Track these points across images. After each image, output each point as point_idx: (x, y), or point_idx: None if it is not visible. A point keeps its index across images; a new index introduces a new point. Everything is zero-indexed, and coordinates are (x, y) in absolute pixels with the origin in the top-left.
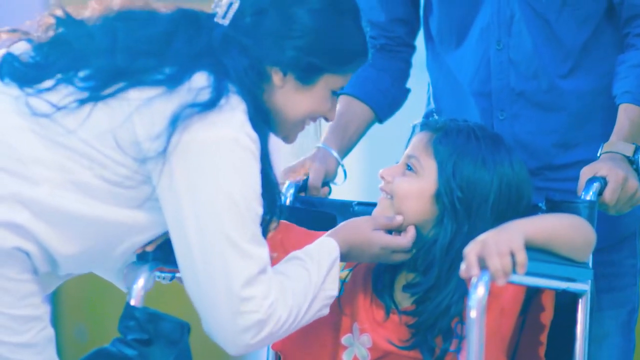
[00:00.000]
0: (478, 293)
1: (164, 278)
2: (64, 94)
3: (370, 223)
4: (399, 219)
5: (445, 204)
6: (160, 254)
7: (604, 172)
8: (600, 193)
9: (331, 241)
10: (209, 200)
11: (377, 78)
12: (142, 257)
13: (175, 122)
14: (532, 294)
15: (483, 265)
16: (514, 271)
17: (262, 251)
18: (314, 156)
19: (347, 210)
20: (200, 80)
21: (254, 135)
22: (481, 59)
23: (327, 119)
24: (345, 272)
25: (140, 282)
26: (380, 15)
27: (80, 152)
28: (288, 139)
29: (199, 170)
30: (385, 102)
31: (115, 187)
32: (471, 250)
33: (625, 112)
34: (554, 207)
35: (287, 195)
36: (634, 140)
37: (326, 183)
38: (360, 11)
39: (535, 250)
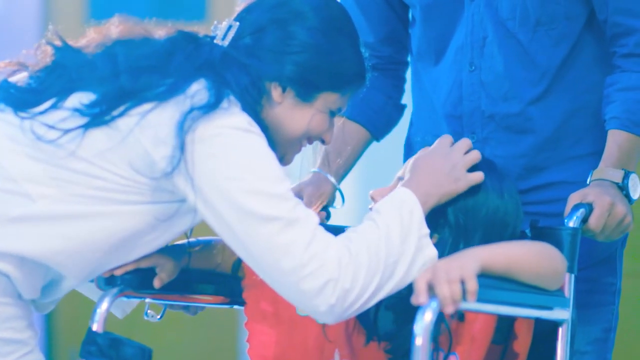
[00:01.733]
0: (424, 320)
1: (152, 316)
2: (60, 118)
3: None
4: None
5: (438, 225)
6: (128, 278)
7: (591, 198)
8: (586, 220)
9: (403, 190)
10: (238, 186)
11: (369, 97)
12: (110, 282)
13: (182, 126)
14: (510, 323)
15: (433, 293)
16: (464, 299)
17: (307, 214)
18: (308, 181)
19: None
20: (197, 86)
21: (258, 128)
22: (454, 81)
23: (323, 142)
24: None
25: (104, 306)
26: (369, 36)
27: (76, 170)
28: (284, 159)
29: (218, 160)
30: (379, 120)
31: (117, 193)
32: (421, 278)
33: (613, 138)
34: (538, 233)
35: None
36: (623, 166)
37: (324, 207)
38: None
39: (494, 278)
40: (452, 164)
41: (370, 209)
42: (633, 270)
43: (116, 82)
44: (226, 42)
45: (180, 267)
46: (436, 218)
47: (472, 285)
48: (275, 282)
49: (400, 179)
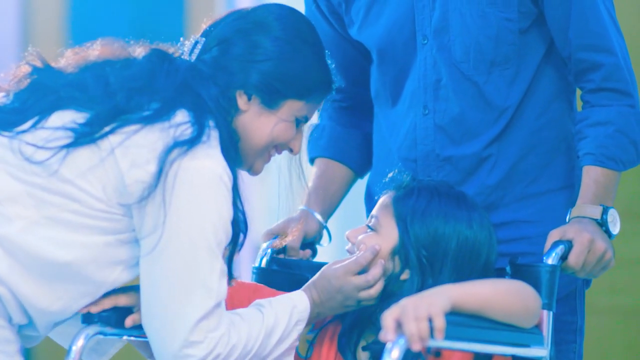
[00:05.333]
0: (392, 357)
1: None
2: (45, 137)
3: (343, 269)
4: (374, 249)
5: (408, 261)
6: (105, 315)
7: (570, 235)
8: (566, 257)
9: (301, 294)
10: (189, 229)
11: (349, 136)
12: (87, 319)
13: (166, 157)
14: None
15: (401, 330)
16: (432, 336)
17: (223, 285)
18: (294, 218)
19: None
20: (182, 117)
21: (229, 171)
22: (410, 124)
23: (291, 151)
24: (312, 334)
25: (79, 343)
26: (340, 81)
27: (56, 191)
28: (253, 168)
29: (184, 200)
30: (360, 158)
31: (90, 219)
32: (389, 314)
33: (588, 174)
34: (517, 270)
35: (263, 256)
36: (601, 201)
37: (310, 244)
38: (326, 50)
39: (464, 315)
40: (348, 295)
41: (347, 250)
42: (615, 306)
43: (110, 101)
44: (193, 57)
45: None
46: (406, 254)
47: (440, 322)
48: (157, 329)
49: (371, 216)
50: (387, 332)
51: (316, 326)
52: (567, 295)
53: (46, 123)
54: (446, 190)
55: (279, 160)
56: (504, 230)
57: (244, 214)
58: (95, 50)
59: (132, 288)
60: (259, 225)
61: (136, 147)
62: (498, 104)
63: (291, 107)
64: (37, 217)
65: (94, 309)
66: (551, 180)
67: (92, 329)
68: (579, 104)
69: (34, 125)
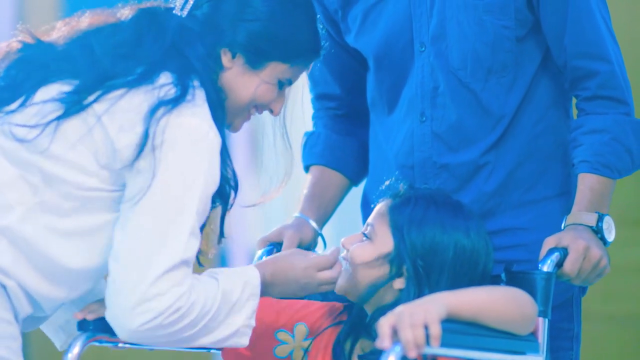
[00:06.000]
0: None
1: None
2: (34, 113)
3: (302, 257)
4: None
5: (403, 269)
6: (100, 323)
7: (566, 243)
8: (561, 264)
9: (254, 270)
10: (174, 183)
11: (344, 143)
12: (82, 326)
13: (151, 117)
14: None
15: (397, 337)
16: (428, 343)
17: (195, 244)
18: (289, 225)
19: None
20: (165, 79)
21: (216, 129)
22: (407, 132)
23: (272, 112)
24: (308, 342)
25: (75, 350)
26: (335, 89)
27: (48, 173)
28: (232, 126)
29: (172, 156)
30: (356, 165)
31: (84, 201)
32: (385, 322)
33: (584, 182)
34: (512, 277)
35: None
36: (596, 209)
37: None
38: (317, 15)
39: (461, 323)
40: (308, 281)
41: (343, 257)
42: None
43: (96, 68)
44: (184, 13)
45: None
46: (400, 262)
47: (436, 329)
48: (121, 276)
49: (367, 224)
50: (383, 339)
51: (311, 334)
52: (563, 302)
53: (34, 99)
54: (443, 199)
55: (274, 165)
56: (500, 237)
57: (234, 172)
58: (85, 20)
59: None
60: (254, 230)
61: (122, 112)
62: (495, 112)
63: (275, 69)
64: (32, 203)
65: (90, 316)
66: (548, 188)
67: (87, 337)
68: (574, 113)
69: (22, 104)
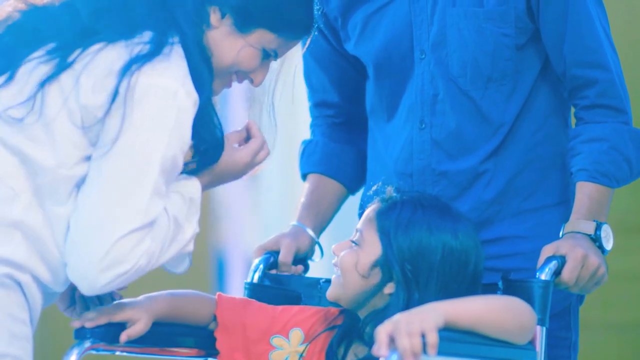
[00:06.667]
0: None
1: None
2: (20, 86)
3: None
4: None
5: (393, 274)
6: (98, 331)
7: (564, 251)
8: (559, 272)
9: (196, 186)
10: (139, 144)
11: (341, 152)
12: (79, 334)
13: (123, 74)
14: None
15: (394, 345)
16: (425, 352)
17: (159, 203)
18: (286, 233)
19: (314, 287)
20: (143, 36)
21: (192, 91)
22: (406, 139)
23: (252, 82)
24: (303, 347)
25: (72, 359)
26: (334, 97)
27: (40, 159)
28: (212, 89)
29: (138, 116)
30: (353, 174)
31: (74, 179)
32: (383, 330)
33: (582, 190)
34: (509, 286)
35: (255, 271)
36: (594, 217)
37: (301, 260)
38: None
39: (457, 331)
40: (245, 166)
41: (334, 264)
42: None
43: (78, 25)
44: None
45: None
46: (389, 267)
47: (433, 337)
48: (83, 236)
49: (356, 230)
50: (380, 347)
51: (307, 339)
52: (561, 311)
53: (21, 68)
54: (430, 201)
55: (270, 171)
56: (499, 245)
57: (219, 129)
58: None
59: (128, 304)
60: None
61: (97, 69)
62: (495, 120)
63: (262, 36)
64: (33, 188)
65: (89, 324)
66: (547, 196)
67: (85, 345)
68: (573, 122)
69: (10, 77)
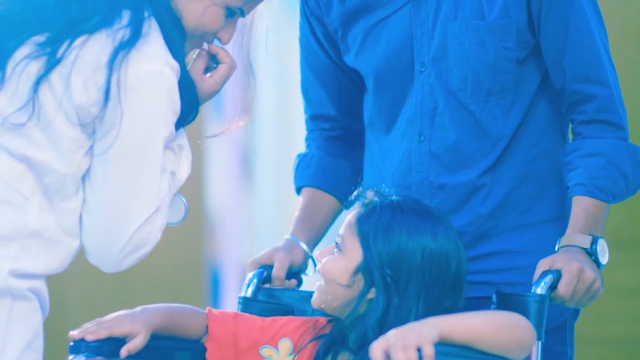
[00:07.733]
0: None
1: None
2: (14, 88)
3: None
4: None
5: (373, 279)
6: (93, 345)
7: (559, 265)
8: (555, 286)
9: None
10: (140, 132)
11: (337, 166)
12: (75, 348)
13: (111, 66)
14: None
15: None
16: None
17: (166, 180)
18: (279, 247)
19: (307, 301)
20: (122, 19)
21: (173, 62)
22: (404, 151)
23: (221, 41)
24: (292, 357)
25: None
26: (331, 110)
27: (42, 162)
28: None
29: (134, 104)
30: (348, 188)
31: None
32: (377, 346)
33: (578, 204)
34: (504, 300)
35: (249, 285)
36: (590, 231)
37: (295, 274)
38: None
39: (453, 346)
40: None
41: (318, 270)
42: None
43: (65, 14)
44: None
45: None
46: (370, 272)
47: (429, 350)
48: (100, 230)
49: (338, 235)
50: None
51: (295, 349)
52: (557, 326)
53: (9, 65)
54: (411, 205)
55: (264, 184)
56: (495, 259)
57: (193, 86)
58: None
59: (125, 317)
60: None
61: (84, 63)
62: (494, 133)
63: None
64: (39, 193)
65: (90, 337)
66: (544, 211)
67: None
68: (571, 137)
69: (1, 80)
